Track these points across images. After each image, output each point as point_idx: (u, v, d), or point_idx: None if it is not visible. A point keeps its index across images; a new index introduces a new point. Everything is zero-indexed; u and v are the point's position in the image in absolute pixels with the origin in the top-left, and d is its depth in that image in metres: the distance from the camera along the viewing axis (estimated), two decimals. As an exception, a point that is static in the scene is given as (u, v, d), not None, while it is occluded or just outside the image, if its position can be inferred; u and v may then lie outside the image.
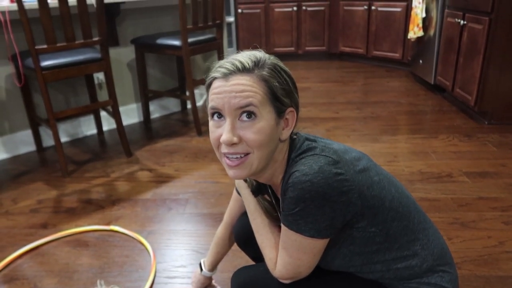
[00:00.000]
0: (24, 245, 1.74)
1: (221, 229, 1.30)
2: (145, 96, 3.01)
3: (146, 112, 3.07)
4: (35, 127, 2.63)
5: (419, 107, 3.26)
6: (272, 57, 0.86)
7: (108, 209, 1.98)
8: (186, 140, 2.73)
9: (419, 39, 3.80)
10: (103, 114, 2.96)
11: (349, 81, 4.13)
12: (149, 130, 2.99)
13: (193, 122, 3.07)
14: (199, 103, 3.52)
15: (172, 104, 3.37)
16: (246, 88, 0.79)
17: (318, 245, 0.85)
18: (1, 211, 2.01)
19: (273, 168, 0.90)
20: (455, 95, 3.13)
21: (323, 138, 0.93)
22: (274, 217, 0.99)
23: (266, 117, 0.81)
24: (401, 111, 3.17)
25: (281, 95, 0.83)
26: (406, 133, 2.74)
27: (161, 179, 2.25)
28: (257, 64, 0.81)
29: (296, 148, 0.88)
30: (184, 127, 3.03)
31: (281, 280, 0.93)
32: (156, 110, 3.27)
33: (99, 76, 2.90)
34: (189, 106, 3.43)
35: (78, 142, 2.81)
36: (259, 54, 0.84)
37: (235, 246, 1.30)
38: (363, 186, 0.83)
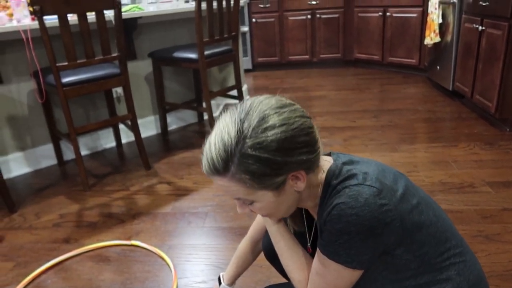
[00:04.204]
0: (48, 260, 1.77)
1: (244, 242, 1.27)
2: (163, 109, 3.04)
3: (163, 124, 3.10)
4: (56, 141, 2.68)
5: (438, 114, 3.21)
6: (252, 125, 0.76)
7: (129, 223, 2.00)
8: (204, 152, 2.75)
9: (436, 45, 3.76)
10: (121, 126, 3.00)
11: (365, 88, 4.11)
12: (166, 142, 3.02)
13: (209, 133, 3.09)
14: (216, 114, 3.54)
15: (189, 116, 3.40)
16: (228, 188, 0.80)
17: (357, 274, 0.85)
18: (24, 226, 2.05)
19: (305, 199, 0.90)
20: (475, 102, 3.08)
21: (356, 158, 0.91)
22: (297, 226, 0.99)
23: (261, 199, 0.82)
24: (419, 119, 3.14)
25: (270, 174, 0.78)
26: (425, 141, 2.71)
27: (180, 192, 2.26)
28: (228, 160, 0.76)
29: (336, 174, 0.85)
30: (201, 138, 3.04)
31: None
32: (173, 122, 3.30)
33: (118, 90, 2.94)
34: (205, 117, 3.46)
35: (97, 155, 2.86)
36: (229, 139, 0.76)
37: (255, 261, 1.29)
38: (404, 213, 0.82)
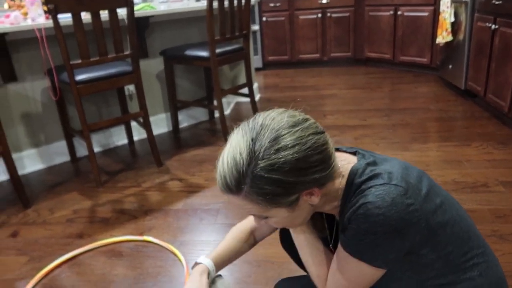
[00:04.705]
0: (62, 254, 1.79)
1: (242, 226, 1.13)
2: (174, 106, 3.06)
3: (175, 122, 3.12)
4: (69, 138, 2.72)
5: (450, 113, 3.19)
6: (264, 146, 0.74)
7: (141, 219, 2.02)
8: (215, 150, 2.76)
9: (448, 43, 3.73)
10: (133, 124, 3.02)
11: (376, 87, 4.09)
12: (178, 140, 3.04)
13: (221, 131, 3.10)
14: (227, 112, 3.56)
15: (200, 114, 3.41)
16: (242, 206, 0.80)
17: (380, 273, 0.85)
18: (39, 221, 2.08)
19: (322, 206, 0.90)
20: (488, 101, 3.04)
21: (380, 157, 0.90)
22: (318, 231, 0.98)
23: (275, 215, 0.82)
24: (431, 118, 3.11)
25: (283, 194, 0.77)
26: (437, 140, 2.69)
27: (192, 189, 2.28)
28: (240, 181, 0.75)
29: (359, 173, 0.84)
30: (212, 136, 3.06)
31: None
32: (184, 120, 3.32)
33: (130, 88, 2.97)
34: (216, 115, 3.47)
35: (109, 152, 2.89)
36: (240, 160, 0.75)
37: (266, 257, 1.26)
38: (429, 213, 0.82)
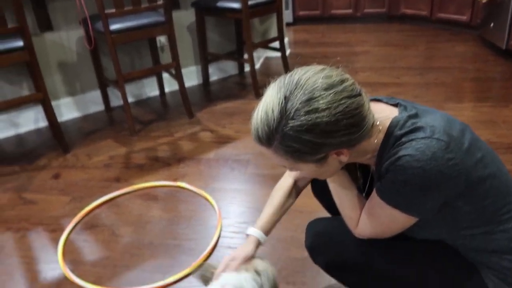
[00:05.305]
0: (101, 196, 1.89)
1: (284, 184, 1.14)
2: (205, 59, 3.06)
3: (205, 74, 3.13)
4: (103, 88, 2.78)
5: (488, 74, 3.07)
6: (295, 106, 0.75)
7: (174, 167, 2.10)
8: (245, 103, 2.78)
9: (491, 1, 3.52)
10: (165, 76, 3.06)
11: (410, 45, 3.95)
12: (208, 93, 3.07)
13: (251, 85, 3.10)
14: (257, 67, 3.53)
15: (230, 67, 3.41)
16: (272, 158, 0.84)
17: (412, 221, 0.87)
18: (78, 165, 2.18)
19: (355, 159, 0.91)
20: (530, 61, 2.91)
21: (422, 108, 0.89)
22: (353, 176, 1.01)
23: (304, 168, 0.85)
24: (467, 78, 3.01)
25: (310, 153, 0.79)
26: (473, 100, 2.61)
27: (223, 140, 2.32)
28: (270, 136, 0.78)
29: (400, 125, 0.84)
30: (242, 90, 3.07)
31: (359, 237, 0.97)
32: (214, 73, 3.32)
33: (161, 40, 2.97)
34: (246, 69, 3.45)
35: (142, 103, 2.95)
36: (272, 116, 0.77)
37: (295, 206, 1.22)
38: (469, 167, 0.82)
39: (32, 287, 1.46)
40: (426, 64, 3.37)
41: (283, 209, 1.14)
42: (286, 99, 0.77)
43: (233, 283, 0.96)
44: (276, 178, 1.19)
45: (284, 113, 0.76)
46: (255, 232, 1.09)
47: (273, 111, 0.77)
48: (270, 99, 0.79)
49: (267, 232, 1.11)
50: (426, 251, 0.97)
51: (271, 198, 1.14)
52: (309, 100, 0.76)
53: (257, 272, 0.99)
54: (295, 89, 0.77)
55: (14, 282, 1.48)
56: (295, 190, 1.16)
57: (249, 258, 1.05)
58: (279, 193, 1.14)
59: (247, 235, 1.11)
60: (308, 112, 0.75)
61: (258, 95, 2.85)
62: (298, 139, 0.77)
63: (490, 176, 0.86)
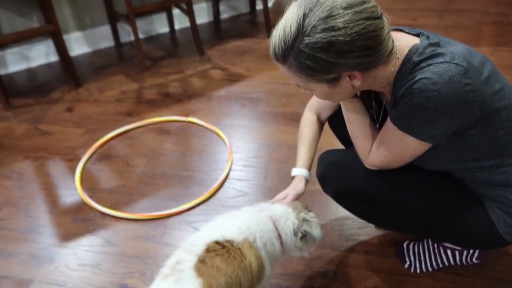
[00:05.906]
0: (114, 129, 1.93)
1: (308, 119, 1.18)
2: (216, -5, 2.96)
3: (216, 11, 3.05)
4: (113, 22, 2.73)
5: (510, 18, 2.95)
6: (312, 23, 0.75)
7: (186, 103, 2.11)
8: (256, 42, 2.72)
9: None
10: (175, 12, 2.98)
11: (430, -15, 3.76)
12: (219, 30, 3.00)
13: (262, 24, 3.02)
14: (269, 5, 3.41)
15: (241, 5, 3.30)
16: (287, 75, 0.86)
17: (423, 148, 0.88)
18: (90, 99, 2.21)
19: (371, 86, 0.91)
20: (556, 4, 2.78)
21: (443, 38, 0.88)
22: (368, 107, 1.01)
23: (317, 89, 0.86)
24: (488, 21, 2.90)
25: (322, 71, 0.80)
26: (493, 44, 2.54)
27: (233, 78, 2.31)
28: (286, 52, 0.80)
29: (419, 52, 0.83)
30: (253, 28, 2.99)
31: (369, 167, 0.99)
32: (225, 11, 3.23)
33: (172, -28, 2.86)
34: (258, 7, 3.35)
35: (152, 39, 2.90)
36: (289, 32, 0.78)
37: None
38: (486, 96, 0.82)
39: (53, 210, 1.54)
40: (446, 5, 3.24)
41: (315, 143, 1.18)
42: (305, 16, 0.77)
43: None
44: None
45: (301, 30, 0.77)
46: (300, 171, 1.13)
47: (290, 28, 0.78)
48: (290, 15, 0.79)
49: (309, 168, 1.15)
50: (433, 181, 1.00)
51: (302, 136, 1.17)
52: (327, 17, 0.75)
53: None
54: (314, 6, 0.77)
55: (36, 205, 1.56)
56: (320, 123, 1.19)
57: (300, 195, 1.10)
58: (307, 129, 1.17)
59: (293, 177, 1.14)
60: (324, 30, 0.75)
61: (270, 34, 2.78)
62: (312, 56, 0.77)
63: (506, 108, 0.86)
